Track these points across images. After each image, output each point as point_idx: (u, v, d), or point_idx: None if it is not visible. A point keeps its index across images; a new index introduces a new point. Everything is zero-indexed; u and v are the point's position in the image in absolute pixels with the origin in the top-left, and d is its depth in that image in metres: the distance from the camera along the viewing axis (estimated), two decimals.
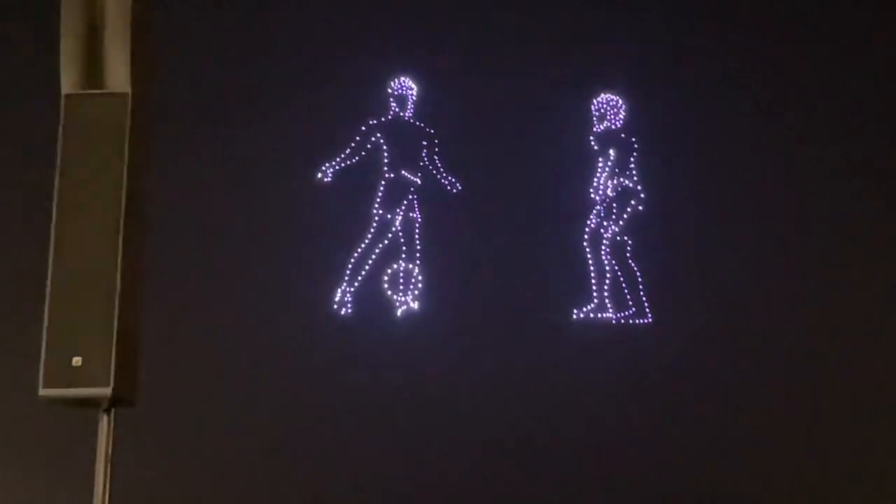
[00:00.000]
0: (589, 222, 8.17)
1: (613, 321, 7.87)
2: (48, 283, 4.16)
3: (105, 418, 4.16)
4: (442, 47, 8.24)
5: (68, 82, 4.28)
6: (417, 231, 8.12)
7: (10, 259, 7.20)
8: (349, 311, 7.83)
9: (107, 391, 4.06)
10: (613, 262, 8.00)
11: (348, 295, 7.89)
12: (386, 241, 8.01)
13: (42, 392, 4.10)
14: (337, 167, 8.13)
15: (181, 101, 7.21)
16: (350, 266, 7.93)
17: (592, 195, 8.18)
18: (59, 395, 4.11)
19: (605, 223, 8.17)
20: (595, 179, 8.21)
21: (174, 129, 6.71)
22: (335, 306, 7.85)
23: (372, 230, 8.00)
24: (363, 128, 8.21)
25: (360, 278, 7.92)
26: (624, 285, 7.89)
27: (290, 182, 7.91)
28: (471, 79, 8.20)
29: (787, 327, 7.79)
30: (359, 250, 7.98)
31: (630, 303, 7.91)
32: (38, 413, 4.99)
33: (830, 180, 8.10)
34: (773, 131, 8.27)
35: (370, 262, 7.96)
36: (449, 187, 8.14)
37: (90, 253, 4.17)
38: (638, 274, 7.95)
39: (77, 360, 4.08)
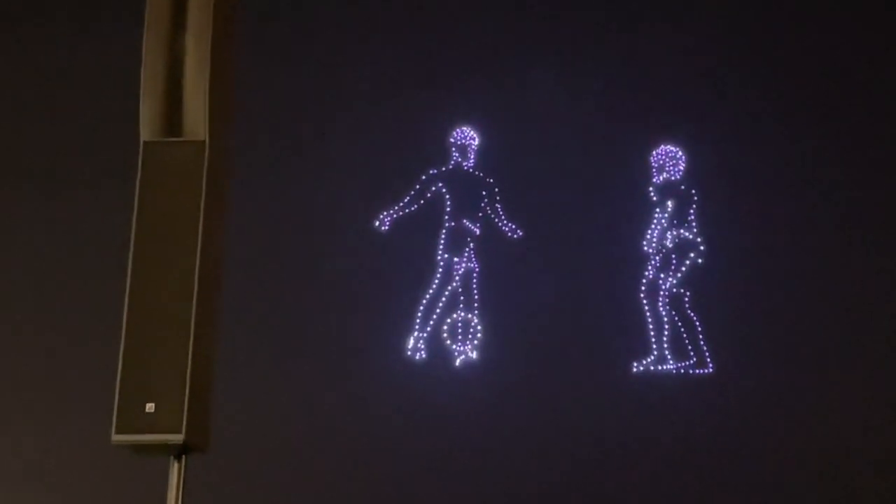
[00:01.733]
0: (647, 273, 8.12)
1: (674, 371, 7.80)
2: (123, 328, 4.17)
3: (176, 465, 4.16)
4: (504, 98, 8.27)
5: (147, 130, 4.33)
6: (475, 281, 8.11)
7: (87, 305, 7.27)
8: (423, 355, 7.85)
9: (179, 438, 4.06)
10: (672, 312, 7.94)
11: (421, 341, 7.90)
12: (454, 284, 8.02)
13: (115, 438, 4.10)
14: (395, 216, 8.15)
15: (252, 149, 7.29)
16: (420, 312, 7.95)
17: (646, 248, 8.13)
18: (132, 441, 4.11)
19: (661, 275, 8.11)
20: (649, 232, 8.16)
21: (246, 176, 6.77)
22: (409, 352, 7.87)
23: (438, 275, 8.02)
24: (423, 177, 8.24)
25: (431, 323, 7.95)
26: (684, 334, 7.83)
27: (350, 230, 7.94)
28: (531, 129, 8.22)
29: (850, 377, 7.69)
30: (427, 296, 8.00)
31: (691, 352, 7.84)
32: (109, 459, 5.00)
33: (893, 231, 8.01)
34: (833, 182, 8.21)
35: (440, 306, 7.98)
36: (510, 234, 8.14)
37: (165, 299, 4.19)
38: (697, 323, 7.90)
39: (150, 407, 4.09)
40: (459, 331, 8.01)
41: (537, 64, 8.35)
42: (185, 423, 4.06)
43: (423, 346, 7.90)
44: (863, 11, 8.45)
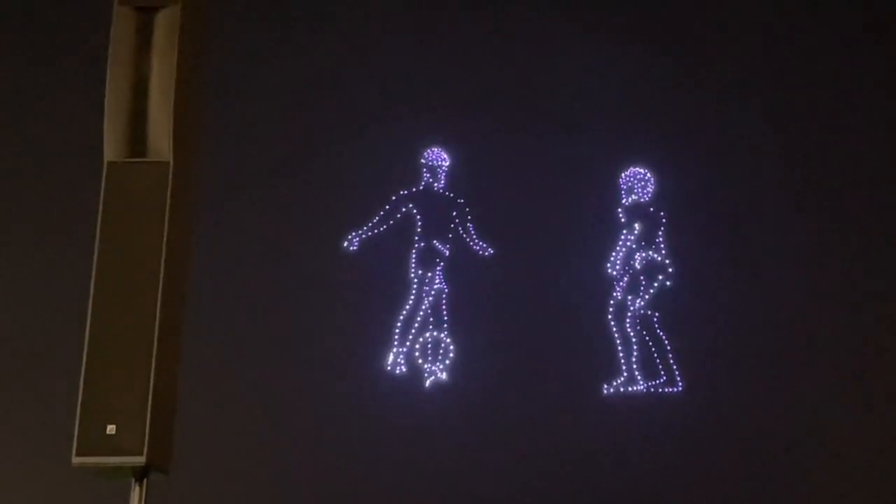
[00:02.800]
0: (615, 294, 8.15)
1: (643, 389, 7.82)
2: (84, 349, 4.15)
3: (137, 488, 4.13)
4: (474, 119, 8.29)
5: (111, 150, 4.32)
6: (445, 301, 8.11)
7: (47, 325, 7.21)
8: (403, 370, 7.83)
9: (141, 460, 4.04)
10: (643, 331, 7.97)
11: (401, 356, 7.89)
12: (430, 300, 8.02)
13: (75, 460, 4.08)
14: (364, 236, 8.15)
15: (218, 170, 7.27)
16: (398, 327, 7.94)
17: (609, 270, 8.15)
18: (93, 463, 4.08)
19: (629, 297, 8.14)
20: (613, 254, 8.19)
21: (212, 198, 6.76)
22: (388, 367, 7.86)
23: (413, 290, 8.02)
24: (393, 197, 8.25)
25: (409, 339, 7.94)
26: (655, 353, 7.86)
27: (319, 250, 7.93)
28: (501, 150, 8.24)
29: (819, 394, 7.73)
30: (405, 311, 7.99)
31: (661, 370, 7.87)
32: (70, 481, 4.96)
33: (863, 248, 8.07)
34: (805, 203, 8.27)
35: (418, 321, 7.98)
36: (480, 251, 8.15)
37: (128, 321, 4.18)
38: (666, 342, 7.93)
39: (111, 428, 4.06)
40: (429, 351, 8.01)
41: (508, 86, 8.38)
42: (146, 444, 4.03)
43: (402, 361, 7.89)
44: (836, 36, 8.53)
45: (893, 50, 8.43)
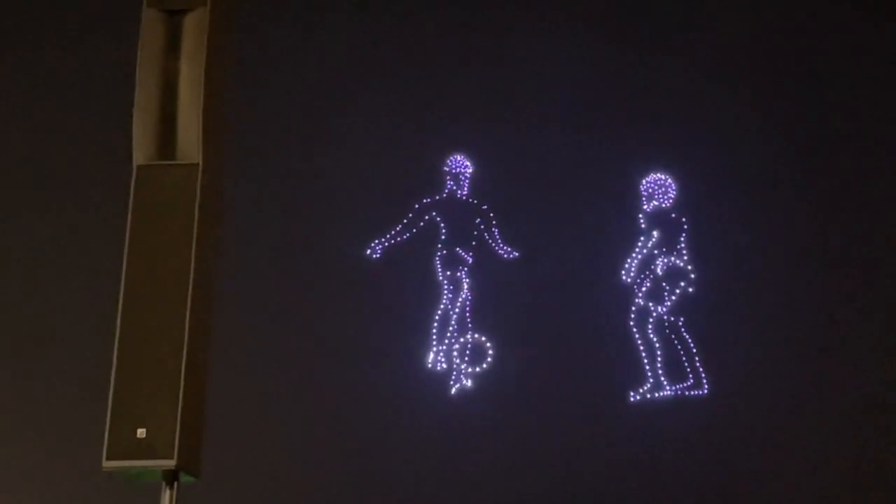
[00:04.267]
0: (637, 301, 8.11)
1: (671, 393, 7.78)
2: (115, 353, 4.14)
3: (168, 491, 4.12)
4: (497, 126, 8.29)
5: (141, 153, 4.32)
6: (468, 309, 8.09)
7: (78, 328, 7.22)
8: (443, 365, 7.81)
9: (171, 463, 4.03)
10: (670, 333, 7.93)
11: (441, 354, 7.87)
12: (462, 297, 8.00)
13: (106, 464, 4.07)
14: (387, 244, 8.15)
15: (246, 173, 7.27)
16: (435, 326, 7.92)
17: (624, 277, 8.12)
18: (123, 466, 4.07)
19: (651, 303, 8.11)
20: (628, 261, 8.16)
21: (239, 200, 6.76)
22: (429, 365, 7.84)
23: (446, 289, 8.00)
24: (416, 206, 8.24)
25: (447, 336, 7.92)
26: (682, 355, 7.82)
27: (343, 255, 7.92)
28: (523, 157, 8.23)
29: (843, 396, 7.69)
30: (439, 310, 7.98)
31: (688, 371, 7.83)
32: (101, 485, 4.95)
33: (891, 252, 8.04)
34: (824, 208, 8.24)
35: (453, 320, 7.97)
36: (506, 255, 8.14)
37: (157, 324, 4.17)
38: (692, 345, 7.90)
39: (142, 432, 4.05)
40: (455, 359, 7.98)
41: (530, 93, 8.38)
42: (177, 448, 4.02)
43: (443, 359, 7.88)
44: (850, 39, 8.51)
45: None
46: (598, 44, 8.55)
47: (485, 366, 7.86)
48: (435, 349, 7.85)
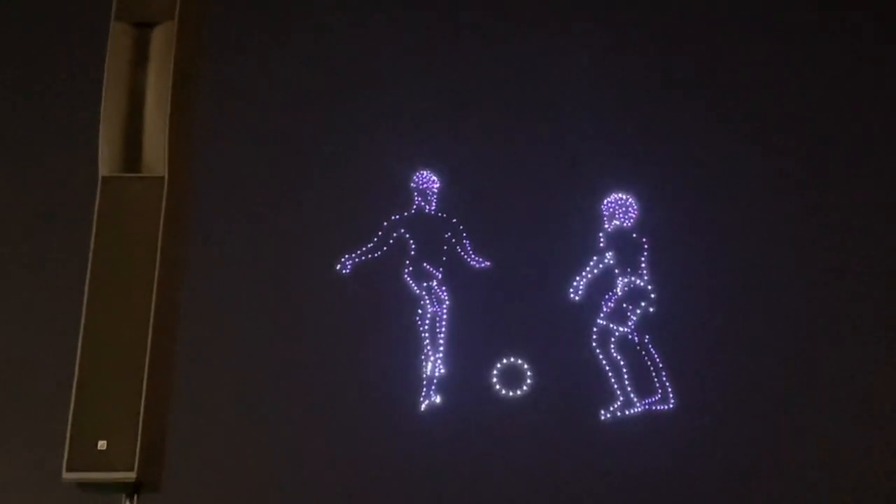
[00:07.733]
0: (600, 321, 8.16)
1: (639, 408, 7.80)
2: (76, 364, 4.14)
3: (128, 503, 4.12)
4: (462, 142, 8.29)
5: (106, 165, 4.33)
6: (439, 323, 8.09)
7: (40, 340, 7.13)
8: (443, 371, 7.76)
9: (131, 475, 4.03)
10: (637, 346, 7.96)
11: (439, 361, 7.83)
12: (445, 306, 7.98)
13: (66, 475, 4.07)
14: (356, 260, 8.14)
15: (213, 187, 7.24)
16: (426, 335, 7.88)
17: (572, 294, 8.16)
18: (83, 478, 4.07)
19: (611, 324, 8.18)
20: (576, 281, 8.20)
21: (206, 214, 6.75)
22: (425, 374, 7.79)
23: (425, 299, 7.97)
24: (385, 223, 8.24)
25: (441, 341, 7.88)
26: (650, 368, 7.84)
27: (310, 273, 7.90)
28: (485, 173, 8.25)
29: (808, 410, 7.72)
30: (427, 318, 7.95)
31: (656, 385, 7.86)
32: (60, 497, 4.92)
33: (851, 270, 8.10)
34: (790, 227, 8.30)
35: (443, 325, 7.94)
36: (477, 265, 8.12)
37: (120, 337, 4.18)
38: (658, 359, 7.92)
39: (102, 444, 4.05)
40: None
41: (495, 110, 8.40)
42: (137, 460, 4.02)
43: (440, 365, 7.84)
44: (820, 55, 8.59)
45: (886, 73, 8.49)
46: (564, 60, 8.59)
47: (457, 381, 7.83)
48: (432, 358, 7.82)
